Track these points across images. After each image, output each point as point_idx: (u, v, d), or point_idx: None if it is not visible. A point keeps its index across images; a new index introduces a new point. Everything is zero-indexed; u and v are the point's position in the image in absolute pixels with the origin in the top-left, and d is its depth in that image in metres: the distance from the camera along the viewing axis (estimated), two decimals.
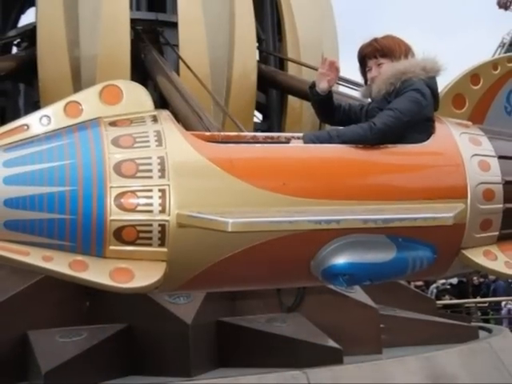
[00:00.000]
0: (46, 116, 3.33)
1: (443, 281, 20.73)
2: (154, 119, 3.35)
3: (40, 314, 6.15)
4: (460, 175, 3.52)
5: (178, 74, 7.63)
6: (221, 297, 6.54)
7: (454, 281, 20.71)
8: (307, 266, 3.33)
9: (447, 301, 18.32)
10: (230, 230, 3.09)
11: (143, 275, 3.12)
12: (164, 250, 3.15)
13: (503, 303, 18.16)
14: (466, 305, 17.96)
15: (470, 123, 3.80)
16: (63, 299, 6.35)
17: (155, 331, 6.17)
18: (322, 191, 3.33)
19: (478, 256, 3.57)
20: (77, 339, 5.99)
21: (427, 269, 3.52)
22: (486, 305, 18.82)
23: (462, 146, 3.59)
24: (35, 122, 3.32)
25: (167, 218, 3.12)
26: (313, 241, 3.27)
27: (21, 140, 3.26)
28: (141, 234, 3.13)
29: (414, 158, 3.56)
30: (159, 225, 3.13)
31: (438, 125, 3.69)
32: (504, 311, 17.94)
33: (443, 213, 3.35)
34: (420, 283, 19.71)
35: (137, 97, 3.46)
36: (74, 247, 3.12)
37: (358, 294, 6.89)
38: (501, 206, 3.59)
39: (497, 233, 3.61)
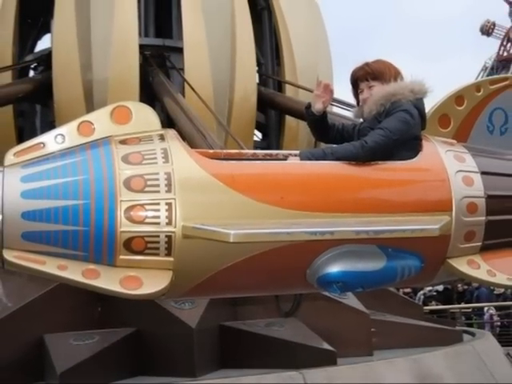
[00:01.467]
0: (60, 135, 3.32)
1: (430, 288, 20.72)
2: (161, 138, 3.34)
3: (55, 318, 6.11)
4: (445, 190, 3.51)
5: (184, 95, 7.63)
6: (223, 303, 6.51)
7: (440, 288, 20.68)
8: (303, 274, 3.32)
9: (433, 306, 18.24)
10: (231, 240, 3.09)
11: (151, 283, 3.11)
12: (170, 259, 3.14)
13: (485, 309, 18.07)
14: (451, 310, 17.85)
15: (454, 141, 3.80)
16: (77, 305, 6.32)
17: (162, 335, 6.14)
18: (317, 205, 3.32)
19: (462, 265, 3.55)
20: (89, 342, 5.96)
21: (415, 277, 3.51)
22: (470, 310, 18.72)
23: (447, 163, 3.58)
24: (51, 141, 3.31)
25: (173, 229, 3.11)
26: (308, 251, 3.26)
27: (37, 157, 3.26)
28: (149, 245, 3.12)
29: (403, 173, 3.55)
30: (166, 236, 3.12)
31: (425, 143, 3.68)
32: (486, 316, 17.87)
33: (430, 225, 3.35)
34: (408, 290, 19.69)
35: (145, 117, 3.45)
36: (87, 257, 3.11)
37: (351, 300, 6.87)
38: (483, 218, 3.57)
39: (480, 243, 3.60)
